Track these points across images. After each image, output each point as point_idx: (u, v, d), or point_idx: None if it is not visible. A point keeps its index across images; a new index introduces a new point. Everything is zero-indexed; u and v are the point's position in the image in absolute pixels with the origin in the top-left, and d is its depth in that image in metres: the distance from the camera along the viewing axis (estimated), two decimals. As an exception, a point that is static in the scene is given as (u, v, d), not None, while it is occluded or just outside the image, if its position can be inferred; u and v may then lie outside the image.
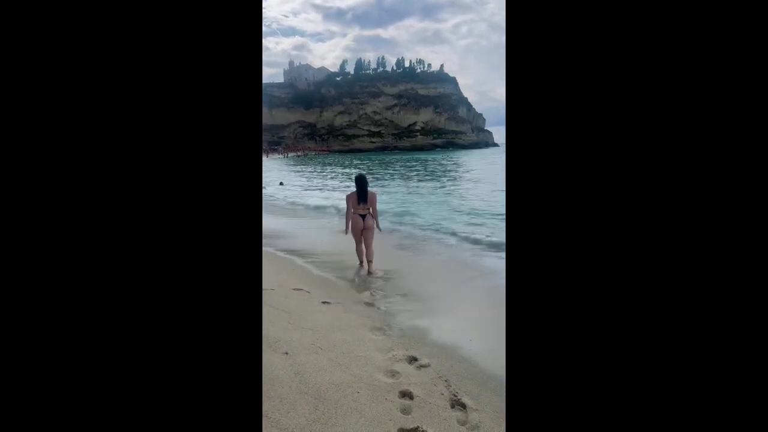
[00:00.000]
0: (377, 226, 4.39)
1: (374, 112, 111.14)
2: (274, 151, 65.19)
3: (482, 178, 16.93)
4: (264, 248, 5.18)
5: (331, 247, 5.33)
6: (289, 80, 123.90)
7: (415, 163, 32.69)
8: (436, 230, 6.33)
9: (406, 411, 1.75)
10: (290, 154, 66.09)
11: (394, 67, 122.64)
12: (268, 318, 2.70)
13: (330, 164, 36.58)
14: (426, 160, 38.44)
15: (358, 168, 27.12)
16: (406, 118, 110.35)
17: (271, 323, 2.63)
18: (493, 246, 5.23)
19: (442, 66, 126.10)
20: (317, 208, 9.46)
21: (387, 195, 11.33)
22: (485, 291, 3.58)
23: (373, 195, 4.40)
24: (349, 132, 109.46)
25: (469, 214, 7.25)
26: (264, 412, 1.67)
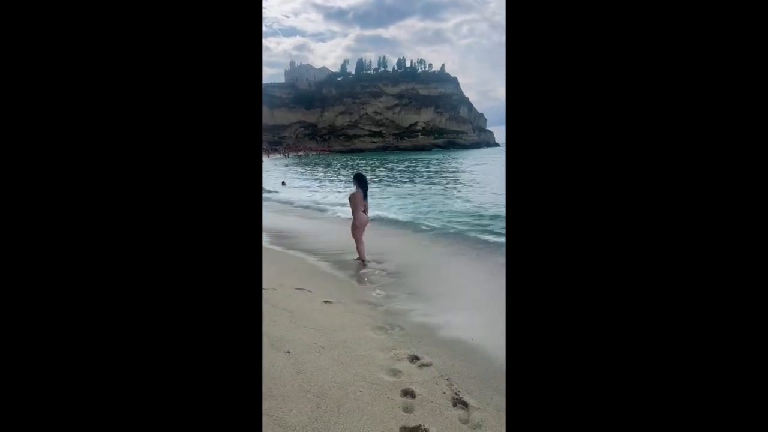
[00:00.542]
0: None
1: (375, 112, 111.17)
2: (275, 151, 65.25)
3: (485, 178, 16.83)
4: (273, 247, 5.20)
5: (334, 246, 5.33)
6: (291, 80, 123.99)
7: (413, 164, 32.60)
8: (447, 230, 6.31)
9: (408, 409, 1.75)
10: (291, 155, 66.14)
11: (395, 67, 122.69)
12: (270, 317, 2.71)
13: (333, 164, 36.55)
14: (429, 160, 38.37)
15: (361, 168, 27.11)
16: (407, 118, 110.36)
17: (274, 322, 2.63)
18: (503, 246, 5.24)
19: (443, 66, 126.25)
20: (321, 209, 9.45)
21: (401, 196, 11.25)
22: (488, 291, 3.58)
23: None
24: (350, 132, 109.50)
25: (480, 216, 7.22)
26: (266, 411, 1.67)
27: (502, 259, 4.46)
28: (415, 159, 41.52)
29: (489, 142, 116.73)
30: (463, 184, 13.62)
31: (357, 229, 4.52)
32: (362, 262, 4.49)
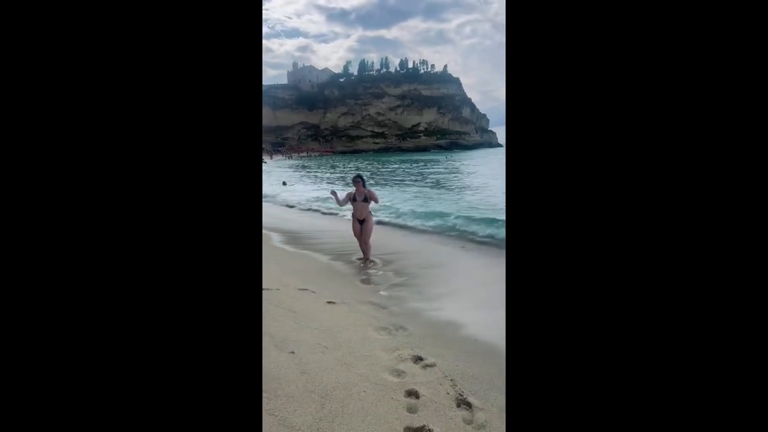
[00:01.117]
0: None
1: (378, 113, 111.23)
2: (278, 152, 65.22)
3: (492, 181, 16.55)
4: (285, 246, 5.21)
5: (338, 246, 5.34)
6: (293, 82, 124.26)
7: (417, 164, 32.45)
8: (452, 232, 6.26)
9: (412, 410, 1.76)
10: (294, 155, 66.17)
11: (398, 68, 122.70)
12: (274, 318, 2.72)
13: (336, 166, 36.51)
14: (433, 161, 38.22)
15: (363, 170, 27.08)
16: (409, 119, 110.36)
17: (278, 323, 2.64)
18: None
19: (445, 66, 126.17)
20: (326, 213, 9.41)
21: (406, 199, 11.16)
22: (492, 292, 3.57)
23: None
24: (353, 133, 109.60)
25: (489, 219, 7.15)
26: (271, 411, 1.68)
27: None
28: (416, 160, 41.29)
29: (492, 143, 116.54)
30: (468, 188, 13.44)
31: (354, 226, 4.71)
32: (366, 261, 4.54)
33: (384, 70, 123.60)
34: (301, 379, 1.94)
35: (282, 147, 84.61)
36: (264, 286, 3.29)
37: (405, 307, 3.17)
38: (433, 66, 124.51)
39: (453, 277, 4.07)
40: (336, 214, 8.47)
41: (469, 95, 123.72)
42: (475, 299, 3.37)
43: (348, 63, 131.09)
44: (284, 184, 16.81)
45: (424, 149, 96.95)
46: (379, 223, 6.65)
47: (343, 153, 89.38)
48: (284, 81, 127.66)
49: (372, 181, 16.97)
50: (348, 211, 5.32)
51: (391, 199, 9.19)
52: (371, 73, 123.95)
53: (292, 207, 10.20)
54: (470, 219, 6.76)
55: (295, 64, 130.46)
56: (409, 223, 7.00)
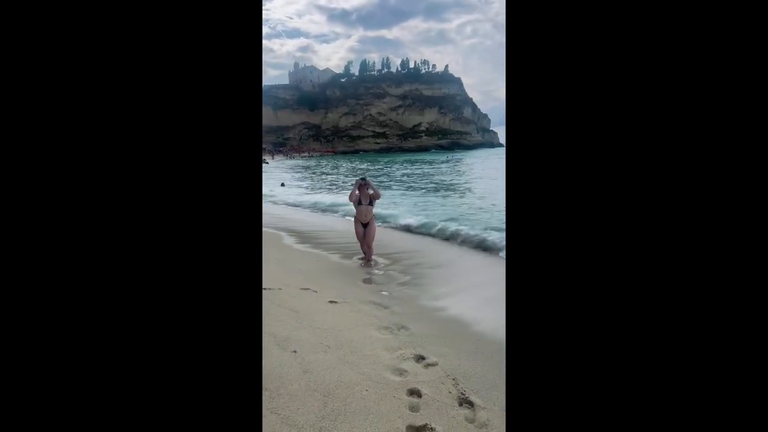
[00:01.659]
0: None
1: (379, 113, 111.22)
2: (279, 152, 65.14)
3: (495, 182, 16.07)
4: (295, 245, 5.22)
5: (343, 246, 5.35)
6: (294, 82, 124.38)
7: (419, 165, 32.25)
8: (457, 233, 6.21)
9: (414, 409, 1.76)
10: (295, 155, 66.08)
11: (399, 68, 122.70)
12: (276, 317, 2.72)
13: (339, 166, 36.45)
14: (436, 161, 37.99)
15: (365, 170, 26.81)
16: (410, 119, 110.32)
17: (280, 322, 2.65)
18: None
19: (446, 66, 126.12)
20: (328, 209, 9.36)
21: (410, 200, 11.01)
22: (495, 292, 3.57)
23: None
24: (354, 133, 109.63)
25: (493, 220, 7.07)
26: (273, 409, 1.69)
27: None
28: (417, 161, 41.08)
29: (493, 143, 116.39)
30: (471, 191, 13.16)
31: (357, 229, 4.67)
32: (367, 261, 4.53)
33: (385, 70, 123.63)
34: (303, 378, 1.95)
35: (283, 147, 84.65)
36: (265, 285, 3.30)
37: (407, 307, 3.17)
38: (434, 66, 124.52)
39: (455, 277, 4.07)
40: (336, 212, 8.47)
41: (470, 95, 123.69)
42: (476, 299, 3.38)
43: (349, 63, 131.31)
44: (282, 185, 16.50)
45: (425, 149, 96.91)
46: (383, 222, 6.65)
47: (345, 153, 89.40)
48: (285, 81, 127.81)
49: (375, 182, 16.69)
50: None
51: (398, 209, 8.56)
52: (372, 73, 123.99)
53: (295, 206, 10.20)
54: (481, 221, 6.71)
55: (296, 64, 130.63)
56: (413, 226, 6.94)
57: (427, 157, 56.16)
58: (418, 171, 24.99)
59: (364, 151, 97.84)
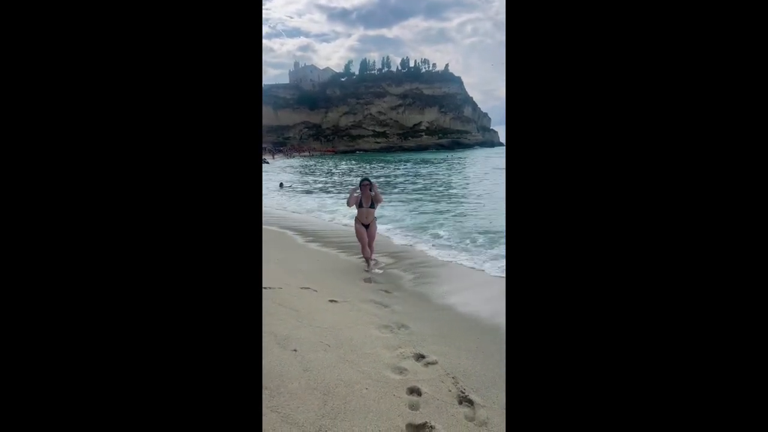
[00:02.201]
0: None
1: (379, 113, 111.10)
2: (279, 152, 64.97)
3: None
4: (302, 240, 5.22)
5: (346, 246, 5.35)
6: (295, 81, 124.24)
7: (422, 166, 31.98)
8: (461, 233, 6.17)
9: (414, 407, 1.76)
10: (295, 155, 65.91)
11: (399, 67, 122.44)
12: (276, 316, 2.73)
13: (341, 165, 36.36)
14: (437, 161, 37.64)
15: (367, 171, 26.38)
16: (411, 118, 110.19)
17: (280, 321, 2.65)
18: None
19: (447, 65, 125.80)
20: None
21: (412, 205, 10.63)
22: (493, 290, 3.58)
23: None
24: (354, 132, 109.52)
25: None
26: (273, 408, 1.69)
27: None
28: (419, 161, 40.82)
29: (493, 142, 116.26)
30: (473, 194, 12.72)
31: (359, 230, 4.49)
32: (367, 263, 4.44)
33: (385, 69, 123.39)
34: (303, 377, 1.95)
35: (284, 147, 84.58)
36: (265, 284, 3.31)
37: (407, 306, 3.17)
38: (434, 65, 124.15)
39: (455, 276, 4.07)
40: (335, 211, 8.47)
41: (470, 94, 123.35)
42: (480, 298, 3.38)
43: (349, 62, 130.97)
44: (281, 186, 15.63)
45: (425, 148, 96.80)
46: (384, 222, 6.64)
47: (345, 152, 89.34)
48: (286, 80, 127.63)
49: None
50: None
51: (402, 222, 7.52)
52: (372, 72, 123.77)
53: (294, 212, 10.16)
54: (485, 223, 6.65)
55: (296, 64, 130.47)
56: (421, 226, 6.88)
57: (428, 156, 56.01)
58: (418, 171, 24.60)
59: (365, 150, 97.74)
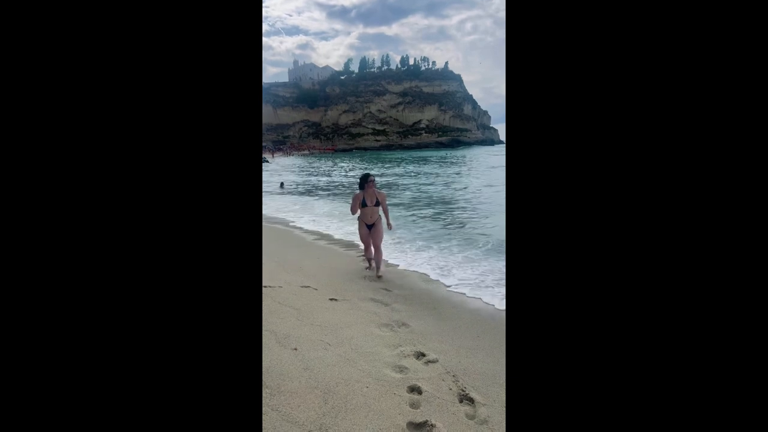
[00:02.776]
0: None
1: (379, 111, 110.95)
2: (279, 150, 64.81)
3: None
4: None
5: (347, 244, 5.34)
6: (294, 79, 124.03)
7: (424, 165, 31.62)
8: (463, 234, 6.07)
9: (414, 405, 1.77)
10: (294, 153, 65.75)
11: (399, 65, 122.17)
12: (277, 314, 2.73)
13: (342, 165, 36.24)
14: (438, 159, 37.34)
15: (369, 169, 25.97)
16: (410, 116, 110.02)
17: (280, 320, 2.65)
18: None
19: (446, 63, 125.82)
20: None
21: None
22: (493, 288, 3.57)
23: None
24: (354, 130, 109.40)
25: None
26: (274, 407, 1.69)
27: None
28: (420, 159, 40.52)
29: (493, 140, 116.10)
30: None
31: (362, 231, 4.09)
32: (369, 262, 4.22)
33: (385, 67, 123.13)
34: (303, 376, 1.95)
35: (283, 145, 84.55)
36: (265, 283, 3.31)
37: (407, 304, 3.17)
38: (434, 63, 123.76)
39: (455, 276, 4.07)
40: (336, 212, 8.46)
41: (470, 92, 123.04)
42: (477, 296, 3.38)
43: (349, 60, 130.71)
44: (282, 186, 15.16)
45: (425, 146, 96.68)
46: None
47: (345, 151, 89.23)
48: (285, 79, 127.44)
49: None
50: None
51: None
52: (372, 70, 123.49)
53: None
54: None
55: (295, 62, 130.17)
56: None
57: (427, 154, 55.80)
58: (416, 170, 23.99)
59: (365, 148, 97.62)
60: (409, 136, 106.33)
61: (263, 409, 1.65)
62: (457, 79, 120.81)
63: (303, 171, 26.38)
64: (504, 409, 1.75)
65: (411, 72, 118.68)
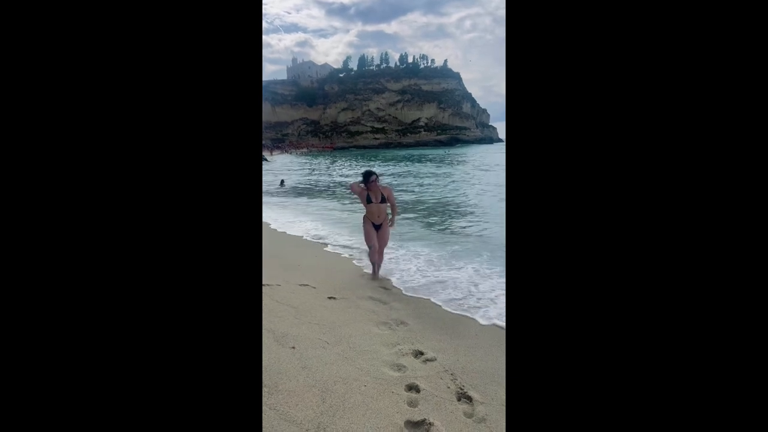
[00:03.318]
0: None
1: (378, 109, 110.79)
2: (278, 148, 64.68)
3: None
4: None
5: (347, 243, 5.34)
6: (293, 77, 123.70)
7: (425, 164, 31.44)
8: (465, 235, 6.03)
9: (412, 404, 1.77)
10: (293, 151, 65.61)
11: (398, 63, 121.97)
12: (275, 313, 2.73)
13: (343, 165, 36.20)
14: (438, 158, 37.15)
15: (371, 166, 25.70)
16: (409, 114, 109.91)
17: (279, 318, 2.65)
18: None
19: (445, 61, 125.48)
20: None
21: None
22: (491, 286, 3.58)
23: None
24: (353, 128, 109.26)
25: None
26: (272, 405, 1.69)
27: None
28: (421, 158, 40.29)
29: (492, 138, 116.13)
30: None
31: (368, 231, 3.79)
32: (373, 267, 3.91)
33: (384, 65, 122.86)
34: (301, 374, 1.95)
35: (282, 143, 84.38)
36: (264, 281, 3.30)
37: (405, 303, 3.17)
38: (433, 61, 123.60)
39: (459, 276, 4.07)
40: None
41: (469, 90, 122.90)
42: (479, 296, 3.38)
43: (348, 58, 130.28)
44: (282, 183, 15.04)
45: (424, 144, 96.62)
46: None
47: (343, 149, 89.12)
48: (284, 77, 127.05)
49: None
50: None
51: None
52: (371, 68, 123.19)
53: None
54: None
55: (294, 60, 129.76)
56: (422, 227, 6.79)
57: (429, 151, 55.50)
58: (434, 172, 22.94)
59: (364, 147, 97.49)
60: (408, 134, 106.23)
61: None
62: (456, 77, 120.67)
63: (303, 169, 26.36)
64: (502, 407, 1.76)
65: (410, 70, 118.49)
